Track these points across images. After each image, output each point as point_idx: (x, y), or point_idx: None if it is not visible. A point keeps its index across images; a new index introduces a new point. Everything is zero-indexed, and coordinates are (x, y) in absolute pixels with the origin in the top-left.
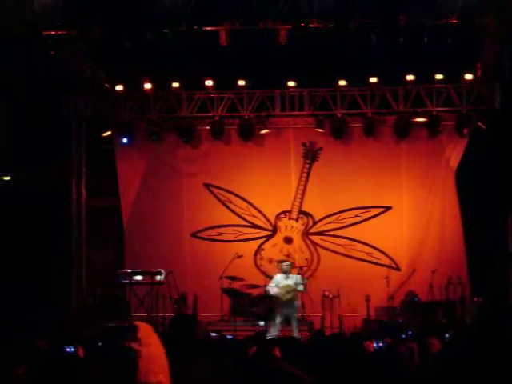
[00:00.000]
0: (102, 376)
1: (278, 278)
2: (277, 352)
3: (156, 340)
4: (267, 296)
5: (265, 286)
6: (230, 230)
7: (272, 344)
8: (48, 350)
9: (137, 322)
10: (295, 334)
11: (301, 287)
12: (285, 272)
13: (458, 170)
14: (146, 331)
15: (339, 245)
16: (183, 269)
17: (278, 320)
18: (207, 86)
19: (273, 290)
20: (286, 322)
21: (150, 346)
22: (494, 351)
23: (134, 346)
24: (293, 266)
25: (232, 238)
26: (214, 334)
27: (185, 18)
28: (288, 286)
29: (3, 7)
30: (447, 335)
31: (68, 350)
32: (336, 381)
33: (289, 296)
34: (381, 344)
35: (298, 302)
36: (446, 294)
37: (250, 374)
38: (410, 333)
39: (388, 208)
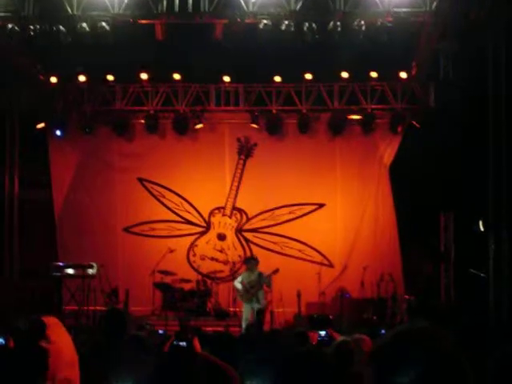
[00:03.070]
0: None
1: (244, 275)
2: (196, 343)
3: (63, 335)
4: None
5: (196, 280)
6: (163, 225)
7: (191, 334)
8: None
9: (45, 318)
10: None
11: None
12: (250, 269)
13: (392, 168)
14: (53, 327)
15: (272, 242)
16: (115, 263)
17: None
18: (142, 79)
19: (237, 285)
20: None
21: (58, 343)
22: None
23: (44, 344)
24: (257, 262)
25: (165, 233)
26: (145, 328)
27: (121, 11)
28: (252, 281)
29: None
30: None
31: None
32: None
33: (252, 291)
34: (323, 334)
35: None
36: (377, 291)
37: (164, 366)
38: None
39: (322, 205)
